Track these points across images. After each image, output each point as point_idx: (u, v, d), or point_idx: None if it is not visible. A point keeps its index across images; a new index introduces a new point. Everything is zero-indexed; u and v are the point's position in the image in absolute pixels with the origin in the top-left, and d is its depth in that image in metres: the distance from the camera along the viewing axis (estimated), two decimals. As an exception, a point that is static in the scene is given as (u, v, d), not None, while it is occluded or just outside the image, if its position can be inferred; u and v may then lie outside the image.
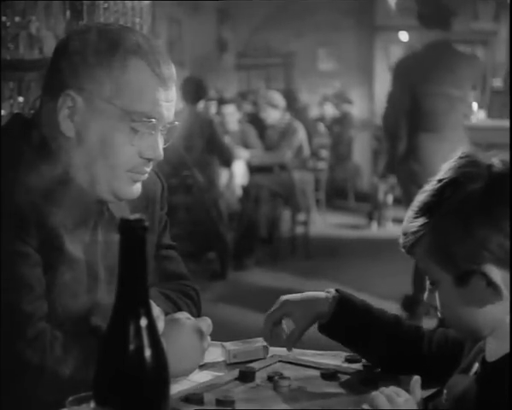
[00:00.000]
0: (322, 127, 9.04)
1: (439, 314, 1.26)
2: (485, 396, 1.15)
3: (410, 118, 4.65)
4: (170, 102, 1.43)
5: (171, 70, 1.42)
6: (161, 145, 1.44)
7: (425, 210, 1.21)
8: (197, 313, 1.64)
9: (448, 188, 1.19)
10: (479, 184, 1.17)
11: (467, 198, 1.16)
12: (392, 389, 1.15)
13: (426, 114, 4.63)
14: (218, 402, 1.29)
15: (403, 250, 1.26)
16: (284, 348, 1.57)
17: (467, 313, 1.19)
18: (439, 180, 1.21)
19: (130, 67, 1.38)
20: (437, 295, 1.23)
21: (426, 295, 1.27)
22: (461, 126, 4.70)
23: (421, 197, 1.23)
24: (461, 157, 1.22)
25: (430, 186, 1.23)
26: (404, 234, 1.24)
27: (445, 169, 1.22)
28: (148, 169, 1.46)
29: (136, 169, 1.43)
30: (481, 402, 1.15)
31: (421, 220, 1.21)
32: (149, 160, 1.44)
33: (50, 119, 1.41)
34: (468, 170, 1.19)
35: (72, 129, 1.40)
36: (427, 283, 1.26)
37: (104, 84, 1.37)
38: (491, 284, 1.15)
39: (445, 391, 1.22)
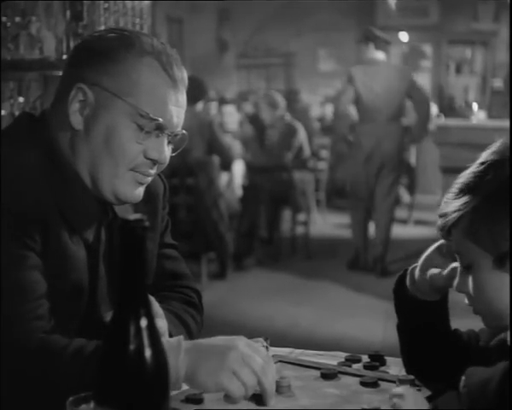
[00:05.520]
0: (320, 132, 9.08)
1: (466, 301, 1.26)
2: (507, 384, 1.14)
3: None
4: (179, 108, 1.44)
5: (182, 73, 1.45)
6: (167, 151, 1.45)
7: (466, 190, 1.22)
8: (200, 318, 1.65)
9: (491, 169, 1.21)
10: None
11: (509, 179, 1.18)
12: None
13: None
14: (218, 402, 1.29)
15: (440, 233, 1.26)
16: (284, 349, 1.57)
17: (498, 297, 1.21)
18: (482, 163, 1.23)
19: (144, 64, 1.40)
20: (470, 279, 1.24)
21: (456, 281, 1.27)
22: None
23: (461, 179, 1.25)
24: (501, 144, 1.24)
25: (471, 168, 1.24)
26: (443, 215, 1.25)
27: (486, 154, 1.24)
28: (153, 172, 1.46)
29: (140, 169, 1.43)
30: (503, 391, 1.14)
31: (462, 200, 1.22)
32: (154, 162, 1.44)
33: (61, 112, 1.42)
34: (509, 154, 1.21)
35: (81, 122, 1.41)
36: (459, 268, 1.26)
37: (117, 79, 1.39)
38: None
39: (463, 378, 1.20)
